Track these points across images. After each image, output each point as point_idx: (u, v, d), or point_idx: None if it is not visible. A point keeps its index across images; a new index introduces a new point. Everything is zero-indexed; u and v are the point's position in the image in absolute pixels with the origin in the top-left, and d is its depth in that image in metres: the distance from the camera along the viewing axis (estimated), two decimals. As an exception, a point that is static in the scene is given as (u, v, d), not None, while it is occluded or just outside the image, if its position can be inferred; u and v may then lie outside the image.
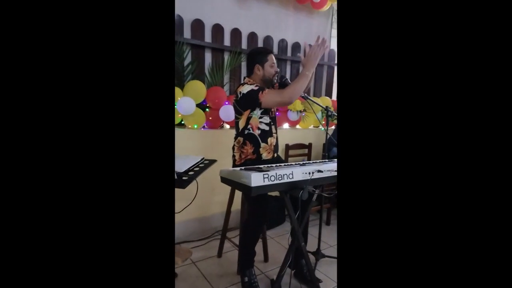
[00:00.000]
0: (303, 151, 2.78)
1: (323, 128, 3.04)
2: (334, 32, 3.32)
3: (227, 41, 2.57)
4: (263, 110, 1.60)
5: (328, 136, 1.85)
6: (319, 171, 1.27)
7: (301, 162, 1.53)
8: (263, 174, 1.08)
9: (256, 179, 1.06)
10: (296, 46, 2.98)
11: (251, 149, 1.64)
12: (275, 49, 2.87)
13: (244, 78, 1.73)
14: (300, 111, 2.74)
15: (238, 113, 1.67)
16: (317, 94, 3.22)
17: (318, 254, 1.92)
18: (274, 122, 1.71)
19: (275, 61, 1.66)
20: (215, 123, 2.31)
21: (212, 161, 1.23)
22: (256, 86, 1.58)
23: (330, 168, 1.32)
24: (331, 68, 3.31)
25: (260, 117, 1.62)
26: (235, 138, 1.74)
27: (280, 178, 1.13)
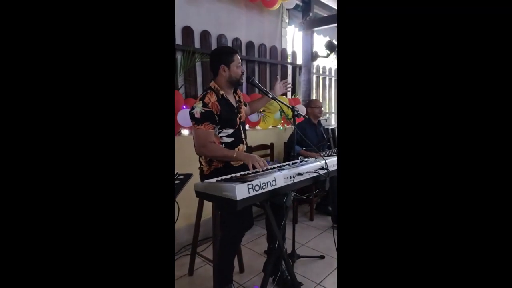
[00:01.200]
0: (265, 152, 2.74)
1: (281, 128, 3.05)
2: (285, 32, 3.36)
3: (178, 40, 2.38)
4: (220, 125, 1.51)
5: (294, 134, 1.83)
6: (299, 174, 1.22)
7: (275, 166, 1.46)
8: (247, 185, 0.99)
9: (241, 191, 0.96)
10: (250, 45, 2.92)
11: (220, 162, 1.54)
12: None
13: (211, 80, 1.61)
14: (259, 112, 2.70)
15: None
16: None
17: (293, 256, 1.89)
18: (241, 128, 1.62)
19: (240, 61, 1.57)
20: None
21: (188, 176, 1.08)
22: (204, 110, 1.45)
23: (307, 169, 1.29)
24: (284, 67, 3.34)
25: (219, 132, 1.53)
26: None
27: (264, 187, 1.05)
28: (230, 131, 1.55)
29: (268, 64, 3.12)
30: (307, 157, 2.61)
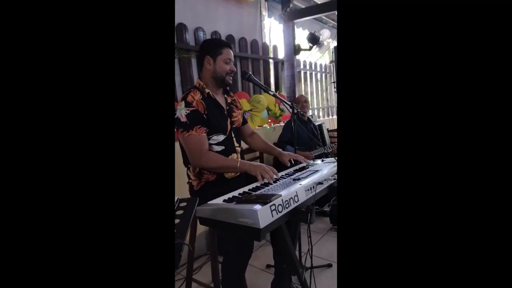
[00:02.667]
0: (254, 155, 2.54)
1: (268, 127, 2.87)
2: (264, 25, 3.16)
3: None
4: (208, 130, 1.26)
5: (294, 132, 1.64)
6: (320, 183, 1.03)
7: (284, 173, 1.26)
8: (270, 206, 0.78)
9: (264, 216, 0.75)
10: (231, 39, 2.69)
11: (211, 174, 1.31)
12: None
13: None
14: (246, 112, 2.48)
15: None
16: (257, 90, 3.00)
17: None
18: (233, 134, 1.39)
19: (232, 57, 1.31)
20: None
21: (192, 202, 0.84)
22: (190, 111, 1.21)
23: (325, 177, 1.11)
24: (266, 62, 3.14)
25: (209, 139, 1.27)
26: (186, 162, 1.35)
27: (287, 205, 0.85)
28: (221, 137, 1.32)
29: (250, 59, 2.91)
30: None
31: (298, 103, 2.57)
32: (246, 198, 0.84)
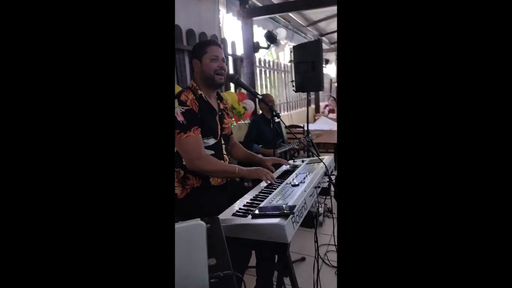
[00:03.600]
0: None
1: (232, 125, 2.83)
2: (221, 20, 3.07)
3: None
4: (201, 129, 1.21)
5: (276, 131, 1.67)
6: (317, 186, 1.08)
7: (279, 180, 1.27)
8: (291, 218, 0.78)
9: (290, 230, 0.75)
10: (191, 34, 2.55)
11: (197, 180, 1.25)
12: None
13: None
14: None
15: None
16: (224, 87, 2.92)
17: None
18: (223, 141, 1.35)
19: (219, 54, 1.27)
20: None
21: (215, 221, 0.78)
22: (185, 109, 1.16)
23: (317, 179, 1.15)
24: (225, 59, 3.07)
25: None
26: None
27: (301, 214, 0.86)
28: (211, 141, 1.27)
29: (210, 55, 2.81)
30: (267, 155, 2.51)
31: (267, 102, 2.60)
32: (262, 212, 0.83)
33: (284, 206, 0.85)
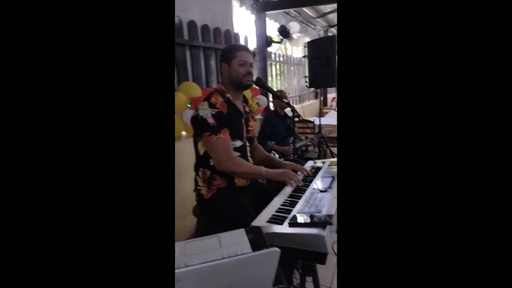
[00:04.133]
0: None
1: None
2: (235, 14, 3.04)
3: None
4: (230, 131, 1.24)
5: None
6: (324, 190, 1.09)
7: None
8: (329, 228, 0.81)
9: (328, 239, 0.78)
10: (206, 29, 2.54)
11: (222, 180, 1.29)
12: (185, 33, 2.33)
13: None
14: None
15: (197, 134, 1.28)
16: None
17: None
18: (247, 144, 1.38)
19: (248, 59, 1.29)
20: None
21: (257, 232, 0.80)
22: (216, 112, 1.20)
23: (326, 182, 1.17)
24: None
25: None
26: (197, 166, 1.33)
27: (335, 222, 0.89)
28: (238, 143, 1.30)
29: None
30: (281, 152, 2.52)
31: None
32: (299, 221, 0.86)
33: (320, 215, 0.87)
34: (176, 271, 0.55)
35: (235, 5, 3.00)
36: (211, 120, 1.18)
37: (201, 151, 1.29)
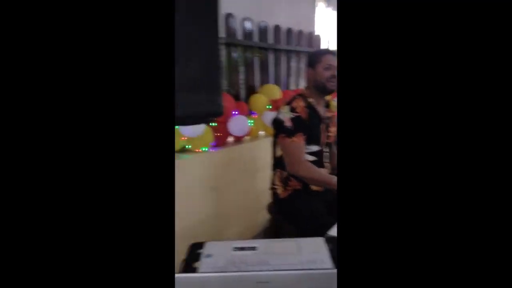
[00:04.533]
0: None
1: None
2: (318, 14, 3.00)
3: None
4: (307, 136, 1.26)
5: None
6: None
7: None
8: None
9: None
10: (289, 33, 2.58)
11: (298, 182, 1.31)
12: (270, 37, 2.42)
13: None
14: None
15: (275, 135, 1.34)
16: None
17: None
18: (328, 148, 1.38)
19: (333, 63, 1.29)
20: (222, 139, 1.83)
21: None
22: (295, 116, 1.24)
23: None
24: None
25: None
26: (274, 167, 1.38)
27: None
28: (315, 148, 1.31)
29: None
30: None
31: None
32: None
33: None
34: (259, 273, 0.59)
35: (321, 5, 2.95)
36: (288, 123, 1.24)
37: (278, 153, 1.34)
